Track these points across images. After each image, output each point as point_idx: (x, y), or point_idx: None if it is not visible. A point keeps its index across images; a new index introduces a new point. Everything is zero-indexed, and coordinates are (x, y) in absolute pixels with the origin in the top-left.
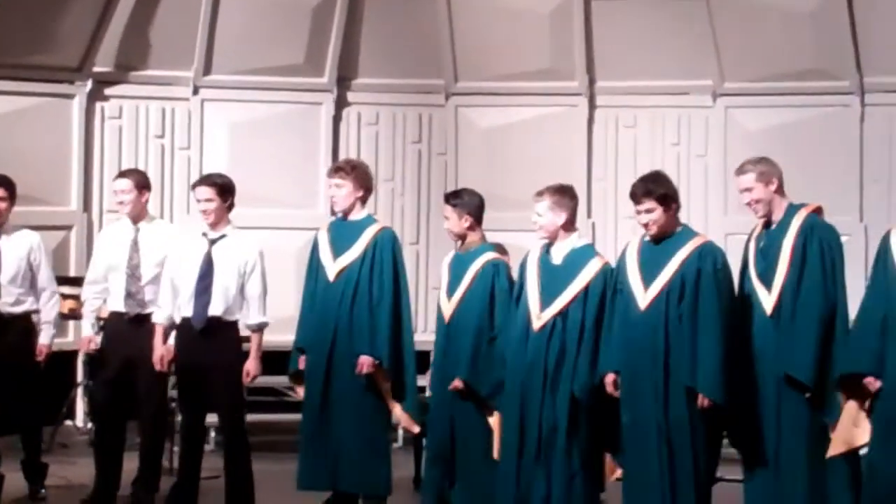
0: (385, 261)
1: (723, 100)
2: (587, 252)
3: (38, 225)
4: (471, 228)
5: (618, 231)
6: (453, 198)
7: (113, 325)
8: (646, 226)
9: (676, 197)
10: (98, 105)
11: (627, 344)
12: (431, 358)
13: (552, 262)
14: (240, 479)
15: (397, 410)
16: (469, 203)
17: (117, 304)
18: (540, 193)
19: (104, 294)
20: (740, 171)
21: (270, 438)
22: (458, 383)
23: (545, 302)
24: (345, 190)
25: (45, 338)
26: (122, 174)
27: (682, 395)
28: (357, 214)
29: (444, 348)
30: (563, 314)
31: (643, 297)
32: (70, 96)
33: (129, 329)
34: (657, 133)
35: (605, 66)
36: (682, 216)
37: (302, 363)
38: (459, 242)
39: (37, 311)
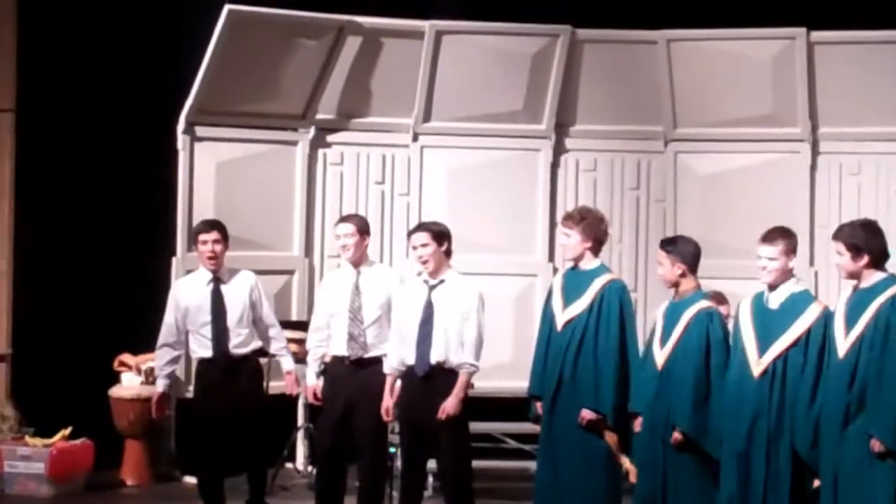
0: (612, 313)
1: None
2: (807, 297)
3: (260, 269)
4: (683, 276)
5: (841, 280)
6: (668, 244)
7: (335, 369)
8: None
9: (870, 249)
10: (320, 152)
11: (827, 393)
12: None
13: (769, 307)
14: None
15: (626, 463)
16: (683, 251)
17: (339, 348)
18: (771, 238)
19: (328, 341)
20: None
21: (487, 485)
22: (677, 435)
23: (763, 347)
24: (573, 239)
25: (288, 364)
26: (344, 219)
27: (865, 442)
28: (588, 264)
29: (654, 397)
30: (783, 359)
31: (843, 344)
32: (293, 143)
33: (350, 373)
34: (881, 180)
35: (828, 112)
36: None
37: (539, 409)
38: (674, 290)
39: (261, 351)
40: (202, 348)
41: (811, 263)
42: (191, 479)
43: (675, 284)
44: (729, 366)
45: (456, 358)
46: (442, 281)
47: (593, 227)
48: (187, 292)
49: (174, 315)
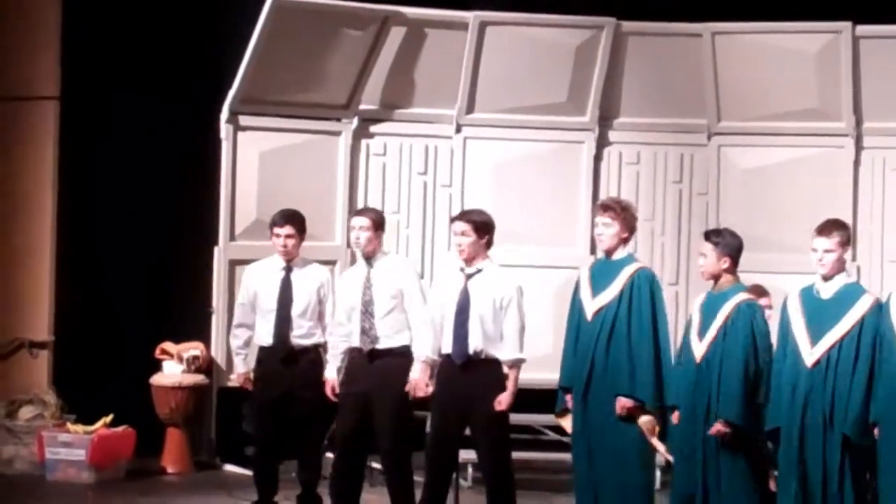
0: (643, 300)
1: None
2: (858, 288)
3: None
4: (727, 270)
5: (884, 275)
6: (714, 236)
7: (352, 360)
8: None
9: None
10: (363, 142)
11: (891, 389)
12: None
13: (821, 298)
14: None
15: (661, 447)
16: (730, 244)
17: (355, 340)
18: (828, 230)
19: (350, 336)
20: None
21: (527, 477)
22: (721, 427)
23: (815, 338)
24: (612, 230)
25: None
26: (360, 211)
27: None
28: (619, 254)
29: (693, 389)
30: (837, 349)
31: None
32: (336, 133)
33: (366, 364)
34: None
35: (872, 107)
36: None
37: (569, 402)
38: (713, 282)
39: (324, 345)
40: (265, 334)
41: (853, 258)
42: (231, 468)
43: (717, 277)
44: (779, 358)
45: (494, 348)
46: (479, 270)
47: (632, 219)
48: (259, 276)
49: (247, 296)
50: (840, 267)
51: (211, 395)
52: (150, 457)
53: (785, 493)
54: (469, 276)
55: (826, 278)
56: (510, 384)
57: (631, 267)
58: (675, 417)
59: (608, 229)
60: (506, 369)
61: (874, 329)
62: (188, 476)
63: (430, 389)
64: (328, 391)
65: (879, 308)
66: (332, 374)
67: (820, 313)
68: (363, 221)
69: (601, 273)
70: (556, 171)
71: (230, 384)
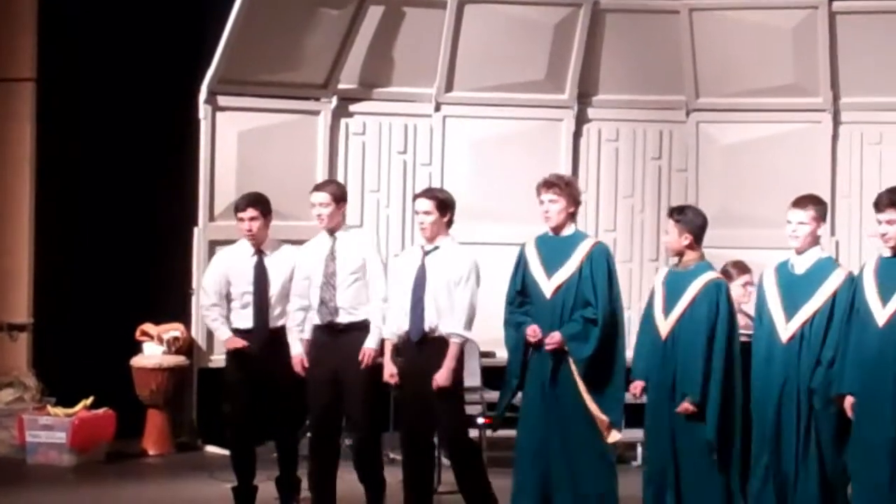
0: (601, 274)
1: None
2: (831, 263)
3: (282, 239)
4: (689, 247)
5: (862, 250)
6: (677, 213)
7: (317, 338)
8: (884, 237)
9: None
10: (342, 121)
11: (864, 363)
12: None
13: (795, 273)
14: (476, 494)
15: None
16: (692, 221)
17: (312, 314)
18: (802, 203)
19: (307, 309)
20: None
21: (498, 454)
22: (688, 406)
23: (790, 313)
24: (559, 206)
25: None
26: (319, 186)
27: None
28: (568, 230)
29: (660, 367)
30: (810, 324)
31: (881, 313)
32: (315, 113)
33: (332, 340)
34: None
35: (849, 82)
36: None
37: None
38: (677, 259)
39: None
40: (241, 319)
41: (832, 233)
42: (213, 449)
43: (680, 254)
44: (757, 333)
45: (446, 326)
46: (437, 247)
47: (576, 193)
48: (230, 262)
49: (215, 282)
50: (813, 241)
51: (191, 376)
52: (130, 439)
53: (756, 465)
54: (426, 253)
55: (799, 252)
56: (449, 360)
57: (587, 242)
58: (636, 389)
59: (554, 206)
60: (450, 343)
61: (846, 303)
62: (169, 457)
63: (390, 371)
64: (297, 367)
65: (852, 281)
66: (297, 349)
67: (794, 288)
68: (322, 197)
69: (553, 250)
70: (536, 148)
71: (211, 365)
